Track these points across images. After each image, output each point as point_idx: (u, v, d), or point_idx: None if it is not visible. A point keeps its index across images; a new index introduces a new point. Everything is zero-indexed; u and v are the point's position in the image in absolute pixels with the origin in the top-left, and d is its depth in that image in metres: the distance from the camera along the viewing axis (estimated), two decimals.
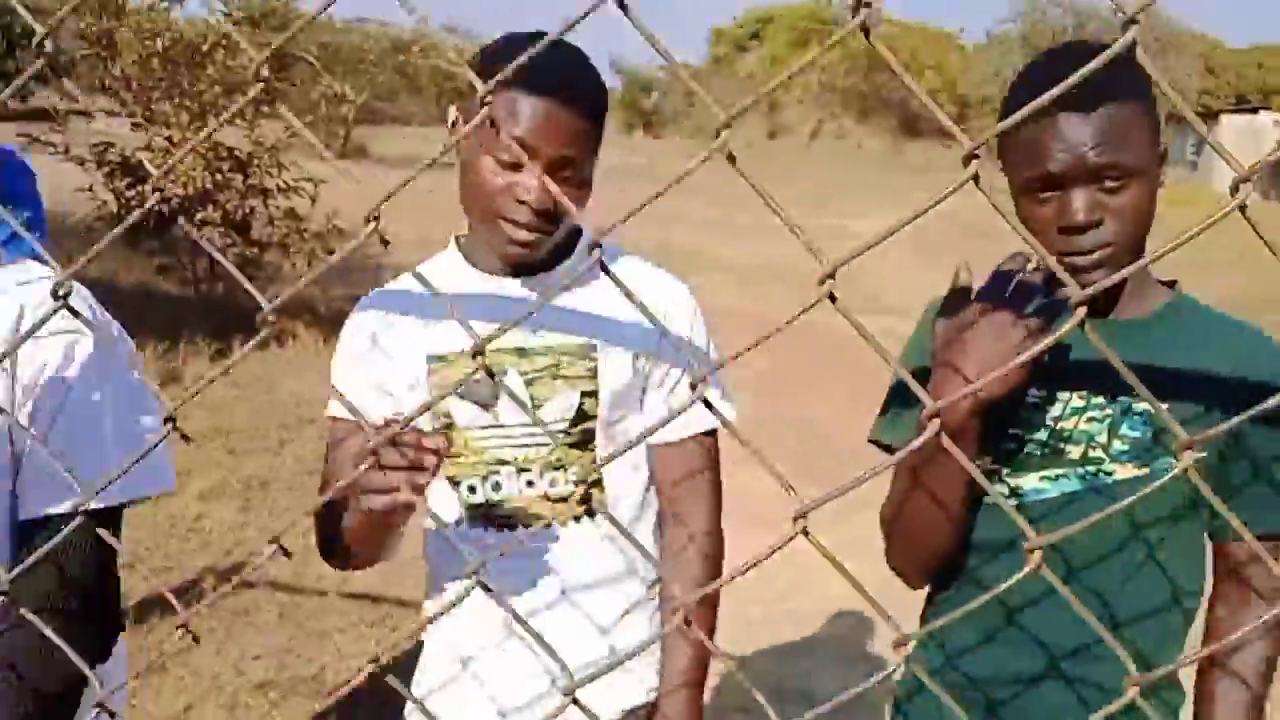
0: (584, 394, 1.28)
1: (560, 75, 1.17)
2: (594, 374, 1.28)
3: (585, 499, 1.15)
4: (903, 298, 7.07)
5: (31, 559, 0.81)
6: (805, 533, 0.59)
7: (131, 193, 6.53)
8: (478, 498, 1.29)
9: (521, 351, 1.27)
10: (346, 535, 1.19)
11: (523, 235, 1.18)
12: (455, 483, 1.30)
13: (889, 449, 1.27)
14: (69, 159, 6.44)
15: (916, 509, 1.14)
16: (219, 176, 6.54)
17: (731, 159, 0.56)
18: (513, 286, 1.29)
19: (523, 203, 1.16)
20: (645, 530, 1.36)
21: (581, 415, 1.28)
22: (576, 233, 1.31)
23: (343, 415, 1.31)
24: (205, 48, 6.60)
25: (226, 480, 4.26)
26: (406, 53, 20.60)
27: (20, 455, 1.09)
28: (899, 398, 1.27)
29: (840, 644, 3.35)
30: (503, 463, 1.28)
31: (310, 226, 6.98)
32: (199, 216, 6.40)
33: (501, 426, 1.28)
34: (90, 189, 6.59)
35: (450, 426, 1.28)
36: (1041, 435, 1.15)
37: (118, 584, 1.20)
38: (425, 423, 1.25)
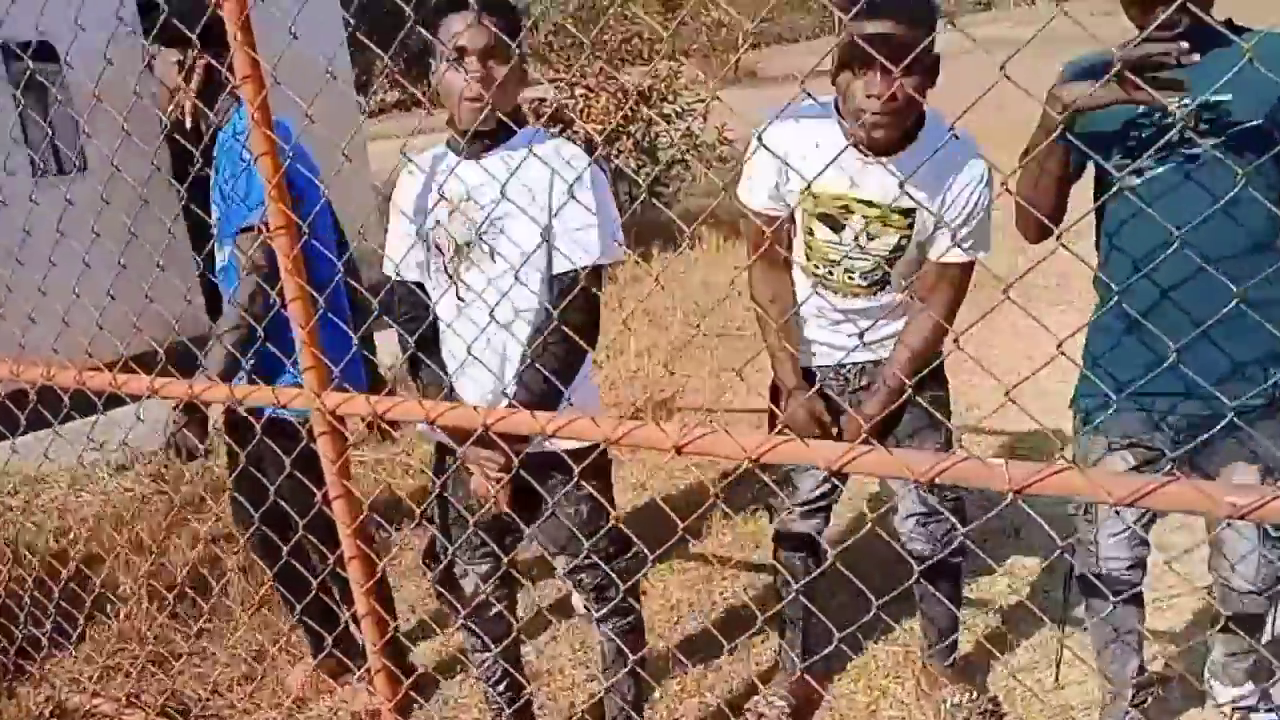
0: (902, 237, 2.01)
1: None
2: (910, 227, 2.00)
3: (877, 284, 2.08)
4: None
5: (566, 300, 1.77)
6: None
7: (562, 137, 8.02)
8: (820, 273, 2.11)
9: (868, 204, 1.99)
10: None
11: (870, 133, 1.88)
12: (809, 261, 2.12)
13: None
14: None
15: (1038, 181, 1.78)
16: (628, 111, 7.81)
17: None
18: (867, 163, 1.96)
19: (872, 96, 1.80)
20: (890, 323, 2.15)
21: (898, 248, 2.03)
22: (918, 122, 1.93)
23: (761, 209, 2.09)
24: (605, 4, 7.84)
25: (656, 342, 5.44)
26: None
27: (552, 232, 1.88)
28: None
29: None
30: (835, 263, 2.08)
31: (705, 141, 8.06)
32: (615, 146, 7.71)
33: (842, 244, 2.05)
34: None
35: (811, 234, 2.08)
36: (1150, 132, 1.71)
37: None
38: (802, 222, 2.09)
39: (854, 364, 2.22)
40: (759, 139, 1.77)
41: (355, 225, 5.99)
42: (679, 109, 8.04)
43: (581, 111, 7.55)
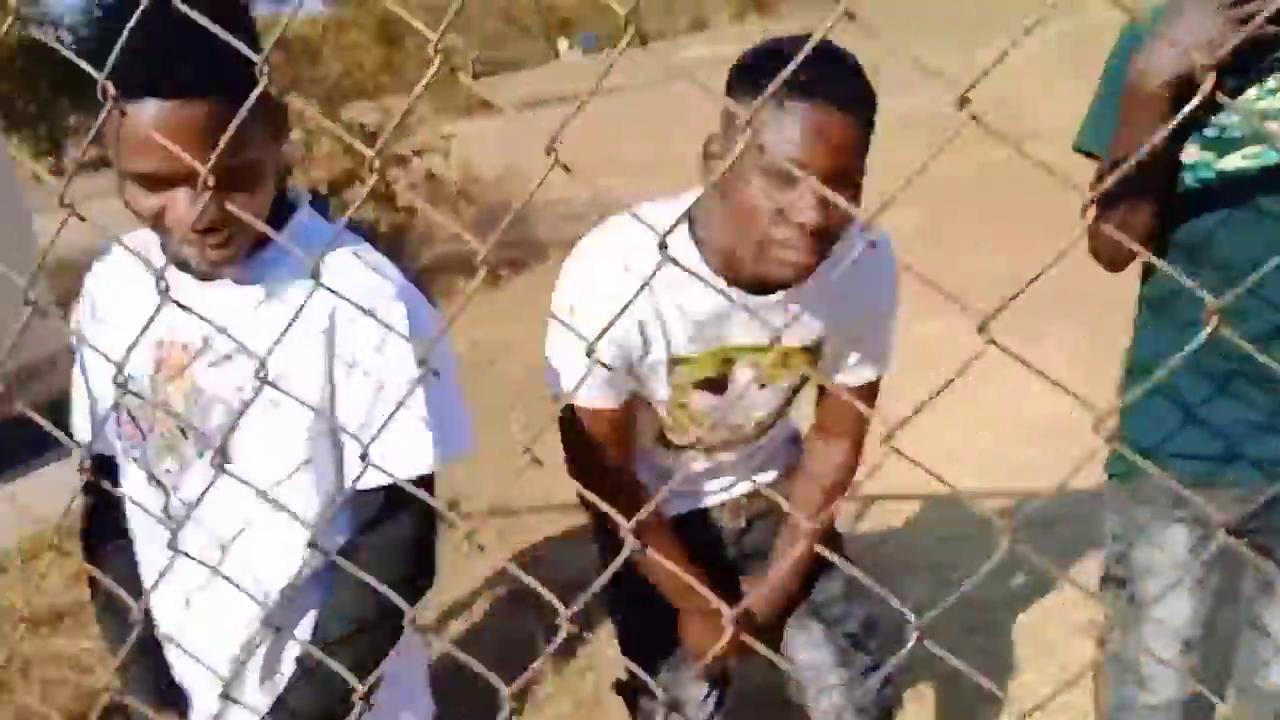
0: (805, 374, 1.47)
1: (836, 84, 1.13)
2: (815, 363, 1.45)
3: (765, 431, 1.53)
4: (1057, 121, 6.65)
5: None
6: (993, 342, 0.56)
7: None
8: (685, 442, 1.51)
9: (759, 350, 1.38)
10: None
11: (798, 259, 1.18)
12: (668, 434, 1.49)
13: (1089, 155, 1.40)
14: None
15: (1126, 195, 1.27)
16: (358, 156, 6.90)
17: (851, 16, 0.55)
18: (755, 300, 1.31)
19: (799, 224, 1.14)
20: (784, 438, 1.67)
21: (800, 385, 1.50)
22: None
23: (607, 405, 1.35)
24: (317, 36, 6.92)
25: None
26: None
27: (339, 418, 1.10)
28: (1099, 111, 1.39)
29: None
30: (711, 427, 1.49)
31: (451, 182, 7.29)
32: (345, 195, 6.77)
33: (727, 405, 1.45)
34: None
35: (683, 406, 1.42)
36: (1240, 118, 1.25)
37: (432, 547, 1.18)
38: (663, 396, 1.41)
39: (719, 504, 1.67)
40: (588, 300, 1.25)
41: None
42: (414, 148, 7.21)
43: (301, 160, 6.56)
